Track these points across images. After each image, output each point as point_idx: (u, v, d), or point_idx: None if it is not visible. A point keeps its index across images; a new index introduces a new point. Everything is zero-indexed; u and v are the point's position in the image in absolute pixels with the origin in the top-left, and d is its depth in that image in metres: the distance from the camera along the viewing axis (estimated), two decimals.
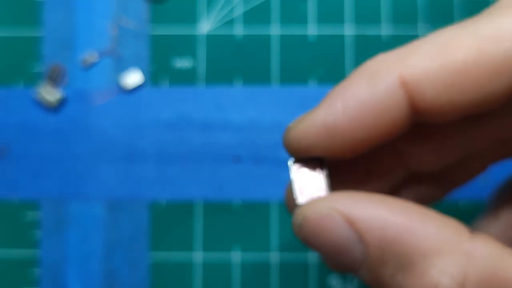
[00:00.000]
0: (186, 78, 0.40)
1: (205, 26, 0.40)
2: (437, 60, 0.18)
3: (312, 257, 0.38)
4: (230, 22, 0.40)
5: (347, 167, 0.24)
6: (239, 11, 0.40)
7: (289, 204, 0.25)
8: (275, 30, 0.40)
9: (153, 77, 0.40)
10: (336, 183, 0.23)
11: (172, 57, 0.40)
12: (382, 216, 0.18)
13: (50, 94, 0.39)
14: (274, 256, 0.38)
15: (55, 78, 0.40)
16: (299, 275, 0.38)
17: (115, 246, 0.39)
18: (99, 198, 0.39)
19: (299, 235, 0.20)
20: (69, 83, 0.40)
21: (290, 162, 0.22)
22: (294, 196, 0.22)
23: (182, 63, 0.40)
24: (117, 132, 0.39)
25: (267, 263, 0.38)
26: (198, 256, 0.38)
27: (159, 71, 0.40)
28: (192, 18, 0.40)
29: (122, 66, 0.40)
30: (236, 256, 0.38)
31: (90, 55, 0.40)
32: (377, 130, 0.20)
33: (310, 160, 0.22)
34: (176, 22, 0.40)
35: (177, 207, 0.39)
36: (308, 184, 0.22)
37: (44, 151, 0.39)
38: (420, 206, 0.19)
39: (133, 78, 0.39)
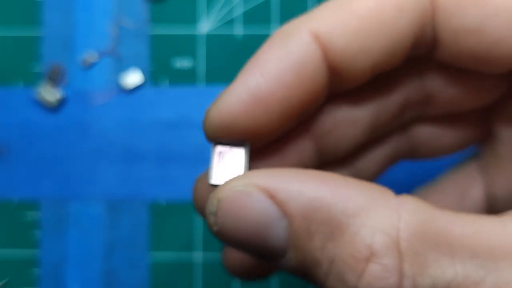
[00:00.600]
0: (186, 78, 0.40)
1: (205, 26, 0.40)
2: (343, 10, 0.19)
3: None
4: (230, 22, 0.40)
5: (267, 155, 0.23)
6: (239, 11, 0.40)
7: (197, 201, 0.23)
8: (275, 30, 0.40)
9: (153, 77, 0.40)
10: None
11: (172, 57, 0.40)
12: (304, 184, 0.17)
13: (50, 94, 0.39)
14: None
15: (55, 78, 0.40)
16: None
17: (115, 246, 0.39)
18: (99, 198, 0.39)
19: (215, 226, 0.18)
20: (69, 83, 0.40)
21: (212, 145, 0.20)
22: (208, 179, 0.20)
23: (182, 63, 0.40)
24: (117, 132, 0.39)
25: None
26: (198, 256, 0.38)
27: (159, 71, 0.40)
28: (192, 18, 0.40)
29: (122, 66, 0.40)
30: None
31: (90, 55, 0.40)
32: (299, 90, 0.19)
33: (232, 145, 0.20)
34: (176, 22, 0.40)
35: (177, 207, 0.39)
36: (227, 168, 0.20)
37: (44, 151, 0.39)
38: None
39: (133, 78, 0.39)
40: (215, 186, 0.20)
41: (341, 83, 0.21)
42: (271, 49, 0.19)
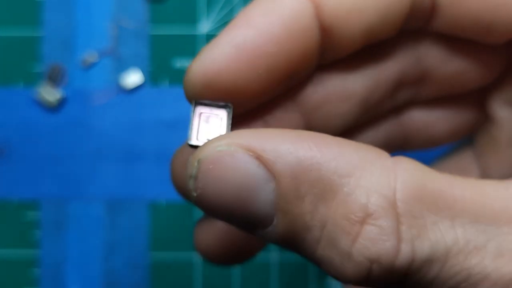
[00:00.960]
0: None
1: (205, 26, 0.40)
2: None
3: None
4: None
5: (251, 125, 0.21)
6: (239, 11, 0.40)
7: (175, 177, 0.21)
8: None
9: (153, 77, 0.40)
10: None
11: (172, 57, 0.40)
12: (292, 142, 0.15)
13: (50, 94, 0.39)
14: (274, 256, 0.38)
15: (55, 78, 0.40)
16: (299, 275, 0.38)
17: (115, 246, 0.39)
18: (99, 198, 0.39)
19: (195, 191, 0.16)
20: (69, 83, 0.40)
21: (192, 104, 0.19)
22: (187, 139, 0.18)
23: (182, 63, 0.40)
24: (117, 132, 0.39)
25: (267, 263, 0.38)
26: (198, 256, 0.38)
27: (159, 71, 0.40)
28: (192, 18, 0.40)
29: (122, 66, 0.40)
30: None
31: (90, 55, 0.40)
32: (289, 46, 0.18)
33: (214, 106, 0.19)
34: (176, 22, 0.40)
35: (177, 207, 0.39)
36: (208, 130, 0.18)
37: (44, 151, 0.39)
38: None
39: (133, 78, 0.39)
40: (195, 147, 0.18)
41: (333, 49, 0.19)
42: (261, 3, 0.18)
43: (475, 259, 0.15)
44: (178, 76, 0.40)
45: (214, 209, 0.16)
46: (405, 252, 0.15)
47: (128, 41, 0.40)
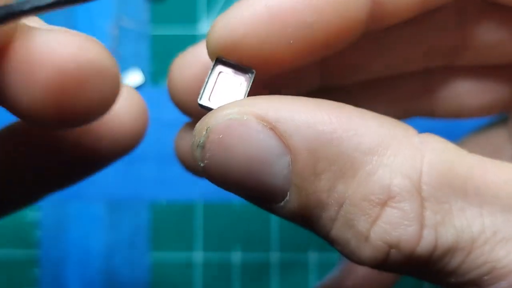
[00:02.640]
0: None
1: (205, 26, 0.40)
2: None
3: (312, 257, 0.38)
4: None
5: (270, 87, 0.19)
6: None
7: (179, 149, 0.19)
8: None
9: (153, 77, 0.40)
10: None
11: (172, 57, 0.40)
12: (310, 113, 0.14)
13: None
14: (274, 256, 0.38)
15: None
16: (299, 275, 0.38)
17: (115, 246, 0.39)
18: (99, 198, 0.39)
19: (202, 161, 0.15)
20: None
21: (213, 61, 0.17)
22: (198, 98, 0.17)
23: None
24: None
25: (267, 263, 0.38)
26: (198, 256, 0.38)
27: (159, 71, 0.40)
28: (192, 18, 0.40)
29: (122, 66, 0.40)
30: (236, 256, 0.38)
31: None
32: (331, 18, 0.16)
33: (235, 68, 0.17)
34: (176, 22, 0.40)
35: (177, 207, 0.39)
36: (223, 92, 0.17)
37: None
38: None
39: (133, 78, 0.39)
40: (206, 108, 0.17)
41: (382, 20, 0.17)
42: None
43: (502, 251, 0.14)
44: None
45: (222, 181, 0.15)
46: (427, 239, 0.14)
47: (129, 41, 0.40)
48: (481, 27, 0.20)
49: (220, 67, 0.17)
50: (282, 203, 0.15)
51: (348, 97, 0.21)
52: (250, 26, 0.16)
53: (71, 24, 0.40)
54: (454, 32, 0.20)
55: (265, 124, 0.14)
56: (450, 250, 0.14)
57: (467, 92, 0.22)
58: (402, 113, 0.22)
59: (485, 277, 0.14)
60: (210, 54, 0.17)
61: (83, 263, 0.38)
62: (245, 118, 0.14)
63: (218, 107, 0.15)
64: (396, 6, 0.17)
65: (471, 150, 0.20)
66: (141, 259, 0.39)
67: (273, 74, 0.17)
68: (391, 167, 0.14)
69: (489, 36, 0.20)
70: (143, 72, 0.40)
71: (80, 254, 0.38)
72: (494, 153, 0.22)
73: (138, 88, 0.40)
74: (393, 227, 0.14)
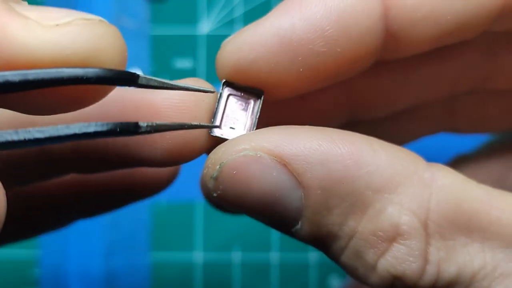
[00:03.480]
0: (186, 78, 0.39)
1: (206, 26, 0.40)
2: None
3: (312, 257, 0.38)
4: (231, 23, 0.40)
5: (283, 110, 0.19)
6: (239, 11, 0.40)
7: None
8: None
9: None
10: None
11: (173, 57, 0.40)
12: (323, 148, 0.14)
13: None
14: (274, 256, 0.38)
15: None
16: (299, 275, 0.38)
17: (115, 246, 0.39)
18: None
19: (215, 192, 0.15)
20: None
21: (221, 85, 0.17)
22: (209, 130, 0.17)
23: (183, 63, 0.40)
24: None
25: (267, 263, 0.38)
26: (198, 256, 0.38)
27: (159, 71, 0.40)
28: (192, 18, 0.40)
29: None
30: (236, 256, 0.38)
31: None
32: (343, 47, 0.15)
33: (244, 91, 0.17)
34: (176, 22, 0.40)
35: (177, 207, 0.39)
36: (234, 118, 0.17)
37: None
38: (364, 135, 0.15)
39: None
40: (219, 139, 0.17)
41: (395, 52, 0.17)
42: None
43: (499, 287, 0.15)
44: (179, 76, 0.40)
45: (234, 209, 0.16)
46: (430, 274, 0.15)
47: (129, 41, 0.40)
48: (510, 58, 0.20)
49: (228, 90, 0.17)
50: (293, 230, 0.16)
51: (373, 125, 0.22)
52: (260, 53, 0.16)
53: None
54: (481, 64, 0.20)
55: (278, 159, 0.14)
56: (451, 284, 0.15)
57: (493, 111, 0.22)
58: (427, 131, 0.23)
59: None
60: (219, 76, 0.17)
61: (83, 263, 0.38)
62: (259, 155, 0.14)
63: (231, 140, 0.15)
64: (411, 39, 0.16)
65: (489, 160, 0.20)
66: (141, 259, 0.39)
67: (284, 97, 0.18)
68: (400, 204, 0.14)
69: None
70: (143, 72, 0.40)
71: (80, 254, 0.38)
72: (507, 171, 0.22)
73: None
74: (399, 262, 0.15)
